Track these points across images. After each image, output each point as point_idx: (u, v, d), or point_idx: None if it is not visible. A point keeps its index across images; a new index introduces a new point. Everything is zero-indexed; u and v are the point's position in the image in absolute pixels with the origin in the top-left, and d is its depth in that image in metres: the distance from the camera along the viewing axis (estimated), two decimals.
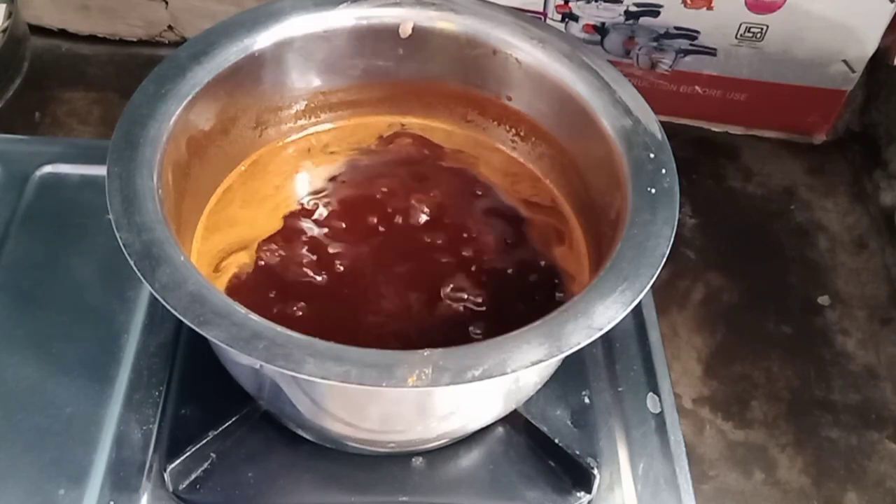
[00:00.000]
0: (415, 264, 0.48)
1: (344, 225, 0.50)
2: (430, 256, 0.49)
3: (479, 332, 0.45)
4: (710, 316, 0.74)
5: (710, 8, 0.78)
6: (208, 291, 0.37)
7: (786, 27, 0.78)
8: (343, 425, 0.44)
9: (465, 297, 0.47)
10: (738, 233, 0.82)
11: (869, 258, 0.79)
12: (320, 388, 0.40)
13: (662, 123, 0.46)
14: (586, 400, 0.51)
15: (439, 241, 0.50)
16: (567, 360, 0.40)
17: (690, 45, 0.81)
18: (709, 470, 0.66)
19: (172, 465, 0.46)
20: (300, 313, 0.45)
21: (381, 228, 0.50)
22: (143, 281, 0.37)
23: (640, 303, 0.39)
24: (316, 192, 0.52)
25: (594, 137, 0.47)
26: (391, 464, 0.48)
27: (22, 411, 0.49)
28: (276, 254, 0.48)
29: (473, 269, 0.48)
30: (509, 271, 0.48)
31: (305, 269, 0.47)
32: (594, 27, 0.82)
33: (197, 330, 0.36)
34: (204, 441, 0.46)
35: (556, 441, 0.48)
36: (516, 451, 0.49)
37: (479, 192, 0.52)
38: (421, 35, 0.51)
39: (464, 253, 0.49)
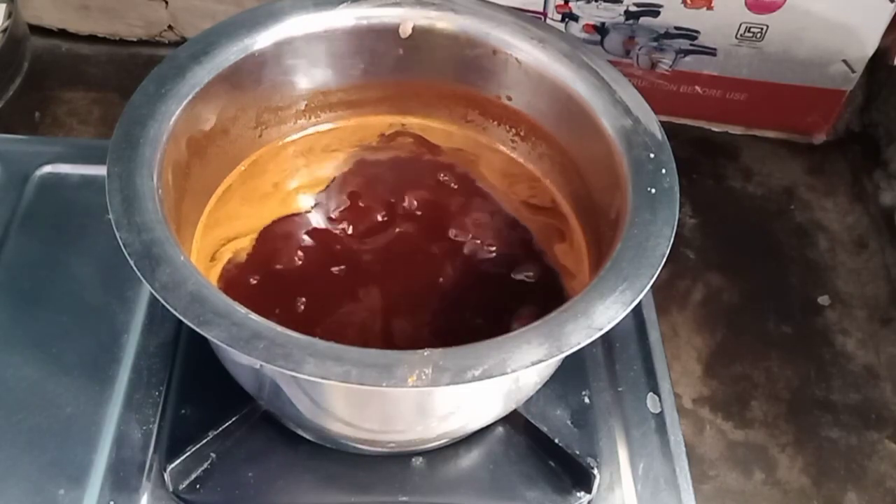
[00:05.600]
0: (414, 262, 0.48)
1: (344, 223, 0.50)
2: (429, 255, 0.49)
3: (478, 330, 0.45)
4: (710, 316, 0.75)
5: (710, 8, 0.78)
6: (208, 291, 0.37)
7: (786, 27, 0.78)
8: (343, 425, 0.44)
9: (465, 295, 0.47)
10: (738, 233, 0.82)
11: (869, 258, 0.79)
12: (320, 387, 0.40)
13: (662, 123, 0.46)
14: (586, 400, 0.51)
15: (439, 240, 0.50)
16: (567, 360, 0.40)
17: (690, 45, 0.81)
18: (709, 470, 0.66)
19: (172, 465, 0.46)
20: (296, 305, 0.45)
21: (380, 227, 0.50)
22: (143, 281, 0.37)
23: (640, 303, 0.39)
24: (316, 191, 0.52)
25: (594, 137, 0.47)
26: (391, 464, 0.48)
27: (22, 411, 0.49)
28: (274, 247, 0.48)
29: (473, 268, 0.48)
30: (509, 270, 0.48)
31: (304, 265, 0.47)
32: (594, 27, 0.82)
33: (197, 330, 0.36)
34: (204, 441, 0.46)
35: (556, 441, 0.48)
36: (516, 451, 0.49)
37: (479, 193, 0.52)
38: (421, 35, 0.51)
39: (463, 252, 0.49)
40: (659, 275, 0.39)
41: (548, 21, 0.81)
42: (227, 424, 0.47)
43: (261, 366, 0.37)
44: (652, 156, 0.44)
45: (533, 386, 0.46)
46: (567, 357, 0.37)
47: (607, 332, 0.37)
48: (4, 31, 0.80)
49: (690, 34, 0.80)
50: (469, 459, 0.49)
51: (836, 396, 0.70)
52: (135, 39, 0.93)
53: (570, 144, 0.50)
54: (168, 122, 0.44)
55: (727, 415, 0.69)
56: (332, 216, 0.50)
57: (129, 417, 0.49)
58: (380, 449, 0.48)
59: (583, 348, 0.36)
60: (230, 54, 0.47)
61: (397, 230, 0.50)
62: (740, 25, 0.79)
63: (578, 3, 0.80)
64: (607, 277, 0.39)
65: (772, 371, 0.71)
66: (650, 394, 0.52)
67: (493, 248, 0.50)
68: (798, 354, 0.73)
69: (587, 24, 0.82)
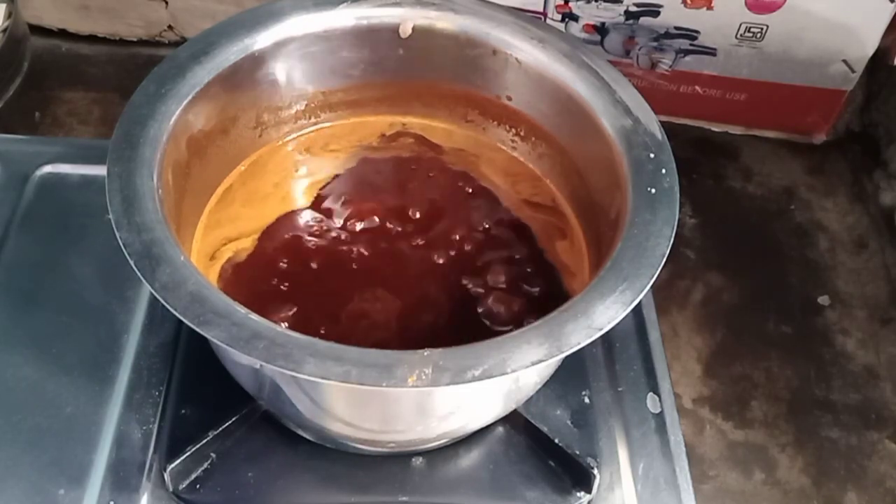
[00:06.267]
0: (414, 262, 0.48)
1: (345, 222, 0.50)
2: (429, 254, 0.49)
3: (477, 329, 0.45)
4: (710, 316, 0.74)
5: (710, 8, 0.78)
6: (208, 291, 0.37)
7: (786, 27, 0.78)
8: (343, 425, 0.44)
9: (464, 294, 0.47)
10: (738, 233, 0.82)
11: (869, 258, 0.79)
12: (320, 387, 0.40)
13: (662, 123, 0.46)
14: (586, 400, 0.51)
15: (439, 240, 0.50)
16: (567, 360, 0.40)
17: (690, 45, 0.81)
18: (709, 470, 0.66)
19: (172, 465, 0.46)
20: (296, 305, 0.45)
21: (381, 226, 0.50)
22: (143, 281, 0.37)
23: (640, 303, 0.39)
24: (317, 191, 0.52)
25: (594, 137, 0.47)
26: (391, 464, 0.48)
27: (22, 411, 0.49)
28: (275, 248, 0.48)
29: (473, 267, 0.48)
30: (510, 269, 0.48)
31: (304, 265, 0.47)
32: (594, 27, 0.82)
33: (197, 330, 0.36)
34: (204, 441, 0.46)
35: (556, 441, 0.48)
36: (516, 451, 0.49)
37: (479, 192, 0.52)
38: (421, 35, 0.51)
39: (464, 251, 0.49)
40: (659, 275, 0.39)
41: (548, 21, 0.81)
42: (227, 424, 0.47)
43: (261, 366, 0.37)
44: (652, 156, 0.44)
45: (533, 386, 0.46)
46: (567, 357, 0.37)
47: (607, 332, 0.37)
48: (4, 31, 0.80)
49: (690, 34, 0.80)
50: (469, 459, 0.49)
51: (836, 396, 0.70)
52: (135, 39, 0.93)
53: (570, 144, 0.50)
54: (168, 122, 0.44)
55: (727, 415, 0.69)
56: (333, 216, 0.50)
57: (129, 417, 0.49)
58: (380, 449, 0.48)
59: (583, 348, 0.37)
60: (230, 54, 0.47)
61: (398, 229, 0.50)
62: (740, 25, 0.79)
63: (578, 3, 0.80)
64: (607, 277, 0.39)
65: (772, 371, 0.71)
66: (650, 394, 0.52)
67: (494, 247, 0.50)
68: (798, 354, 0.72)
69: (587, 24, 0.82)
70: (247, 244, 0.48)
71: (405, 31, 0.51)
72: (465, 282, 0.48)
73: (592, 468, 0.47)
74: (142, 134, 0.43)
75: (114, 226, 0.39)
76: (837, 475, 0.66)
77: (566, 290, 0.48)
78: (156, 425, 0.48)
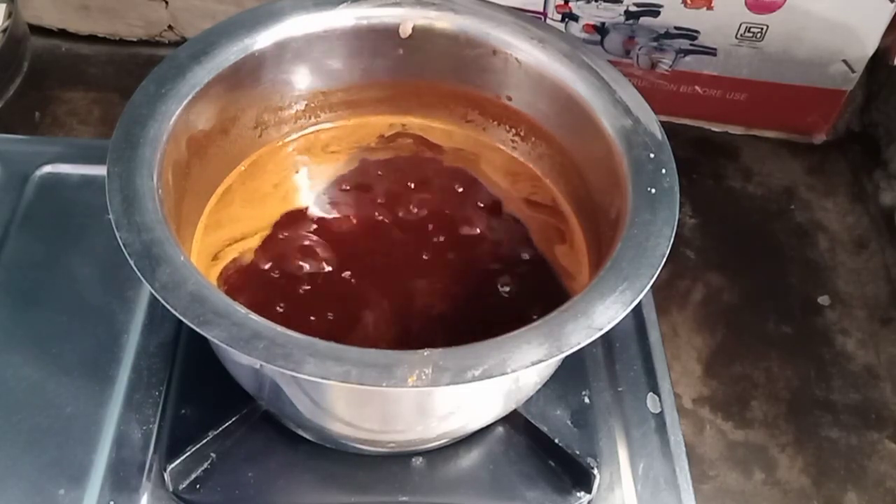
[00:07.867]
0: (413, 261, 0.48)
1: (344, 223, 0.50)
2: (429, 254, 0.49)
3: (476, 328, 0.45)
4: (710, 316, 0.75)
5: (710, 8, 0.78)
6: (208, 291, 0.37)
7: (786, 27, 0.78)
8: (343, 425, 0.44)
9: (466, 295, 0.47)
10: (738, 233, 0.82)
11: (869, 258, 0.79)
12: (320, 387, 0.40)
13: (662, 123, 0.46)
14: (586, 400, 0.51)
15: (438, 240, 0.50)
16: (567, 360, 0.40)
17: (690, 45, 0.81)
18: (709, 470, 0.66)
19: (172, 465, 0.46)
20: (299, 306, 0.45)
21: (382, 226, 0.50)
22: (143, 281, 0.37)
23: (640, 303, 0.39)
24: (316, 191, 0.52)
25: (594, 137, 0.47)
26: (391, 464, 0.48)
27: (22, 411, 0.49)
28: (276, 248, 0.48)
29: (472, 267, 0.48)
30: (509, 270, 0.48)
31: (304, 265, 0.47)
32: (594, 27, 0.82)
33: (197, 330, 0.36)
34: (204, 441, 0.46)
35: (556, 441, 0.48)
36: (516, 451, 0.49)
37: (479, 192, 0.52)
38: (421, 35, 0.51)
39: (466, 251, 0.49)
40: (659, 275, 0.39)
41: (548, 21, 0.81)
42: (227, 424, 0.47)
43: (261, 366, 0.37)
44: (652, 156, 0.44)
45: (533, 386, 0.46)
46: (567, 357, 0.37)
47: (607, 332, 0.37)
48: (4, 31, 0.80)
49: (690, 34, 0.80)
50: (469, 459, 0.49)
51: (836, 396, 0.70)
52: (135, 39, 0.93)
53: (570, 144, 0.50)
54: (168, 122, 0.44)
55: (727, 415, 0.69)
56: (333, 216, 0.50)
57: (129, 417, 0.49)
58: (380, 449, 0.48)
59: (583, 348, 0.37)
60: (230, 54, 0.47)
61: (398, 229, 0.50)
62: (740, 25, 0.79)
63: (578, 3, 0.80)
64: (607, 277, 0.39)
65: (772, 371, 0.71)
66: (650, 394, 0.52)
67: (494, 248, 0.50)
68: (798, 354, 0.73)
69: (587, 24, 0.82)
70: (249, 244, 0.48)
71: (405, 31, 0.51)
72: (463, 281, 0.48)
73: (592, 468, 0.47)
74: (142, 134, 0.43)
75: (114, 226, 0.39)
76: (837, 475, 0.66)
77: (566, 290, 0.48)
78: (156, 425, 0.48)
